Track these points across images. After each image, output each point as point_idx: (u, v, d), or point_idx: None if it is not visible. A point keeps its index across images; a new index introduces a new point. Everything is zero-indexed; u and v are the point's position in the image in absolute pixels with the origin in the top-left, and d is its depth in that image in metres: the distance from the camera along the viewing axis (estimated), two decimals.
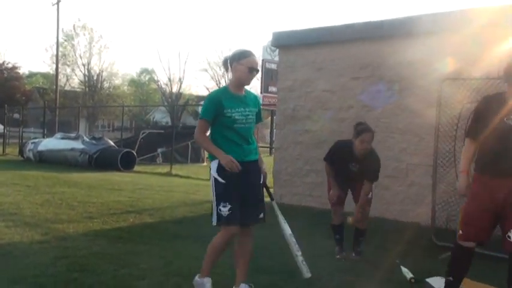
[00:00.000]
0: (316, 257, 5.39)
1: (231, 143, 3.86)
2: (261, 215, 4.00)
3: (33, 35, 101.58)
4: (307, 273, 4.03)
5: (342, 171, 5.38)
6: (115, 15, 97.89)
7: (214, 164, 3.87)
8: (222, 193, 3.84)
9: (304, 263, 4.03)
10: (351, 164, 5.29)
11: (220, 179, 3.83)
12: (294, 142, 9.36)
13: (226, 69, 4.06)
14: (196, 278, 4.01)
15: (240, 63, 3.85)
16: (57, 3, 34.99)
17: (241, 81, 3.92)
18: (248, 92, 4.05)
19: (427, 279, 4.67)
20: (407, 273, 4.74)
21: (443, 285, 4.23)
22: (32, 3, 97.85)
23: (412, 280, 4.63)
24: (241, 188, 3.85)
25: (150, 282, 4.30)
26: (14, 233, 5.91)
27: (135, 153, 17.12)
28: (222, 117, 3.83)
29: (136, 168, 16.41)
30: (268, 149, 24.46)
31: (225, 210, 3.80)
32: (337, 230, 5.61)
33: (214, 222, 3.87)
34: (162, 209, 8.27)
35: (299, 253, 4.04)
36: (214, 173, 3.86)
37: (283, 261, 5.14)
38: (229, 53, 4.15)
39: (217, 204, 3.83)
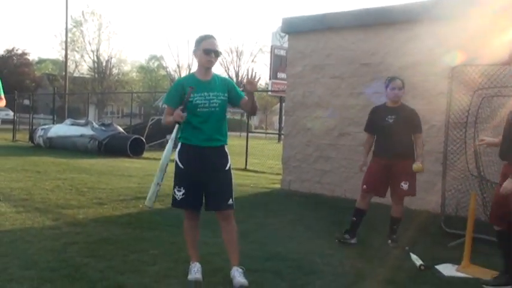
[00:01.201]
0: (325, 244, 5.42)
1: (193, 128, 3.94)
2: (230, 201, 3.99)
3: (42, 21, 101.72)
4: (148, 202, 4.05)
5: (381, 127, 5.43)
6: (124, 2, 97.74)
7: (177, 149, 4.03)
8: (178, 177, 4.00)
9: (157, 194, 4.02)
10: (387, 117, 5.36)
11: (180, 164, 3.99)
12: (303, 129, 9.34)
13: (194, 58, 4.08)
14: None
15: (198, 49, 3.94)
16: None
17: (201, 64, 3.97)
18: (216, 77, 4.06)
19: (437, 266, 4.67)
20: (417, 260, 4.74)
21: (453, 272, 4.23)
22: None
23: (422, 267, 4.62)
24: (202, 174, 3.92)
25: (160, 267, 4.33)
26: (25, 218, 5.97)
27: (144, 140, 17.15)
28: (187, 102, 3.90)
29: (145, 154, 16.46)
30: (277, 135, 24.41)
31: (179, 194, 3.99)
32: (357, 213, 5.59)
33: (171, 204, 4.08)
34: (171, 195, 8.28)
35: (159, 184, 3.99)
36: (176, 157, 4.01)
37: (291, 248, 5.17)
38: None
39: (173, 187, 4.03)
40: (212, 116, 3.93)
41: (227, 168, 4.03)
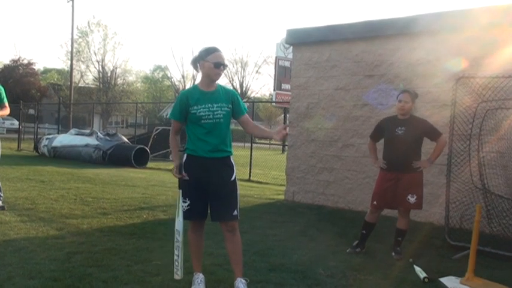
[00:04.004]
0: (329, 255, 5.41)
1: (197, 139, 3.95)
2: (234, 212, 3.98)
3: (48, 31, 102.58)
4: (176, 275, 4.04)
5: (390, 139, 5.46)
6: (129, 12, 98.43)
7: (182, 160, 4.04)
8: (183, 189, 4.01)
9: (179, 264, 4.00)
10: (397, 128, 5.38)
11: (184, 174, 3.99)
12: (307, 140, 9.35)
13: (196, 69, 4.09)
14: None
15: (206, 60, 3.92)
16: (72, 0, 35.20)
17: (210, 77, 3.97)
18: (220, 88, 4.06)
19: (441, 279, 4.65)
20: (421, 273, 4.72)
21: (457, 284, 4.21)
22: (47, 0, 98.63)
23: (426, 280, 4.60)
24: (207, 185, 3.93)
25: (163, 278, 4.33)
26: (29, 228, 5.98)
27: (148, 150, 17.19)
28: (189, 115, 3.93)
29: (149, 164, 16.49)
30: (281, 146, 24.41)
31: (184, 205, 3.99)
32: (366, 226, 5.64)
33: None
34: (175, 205, 8.28)
35: (178, 255, 3.99)
36: (181, 168, 4.02)
37: (294, 259, 5.16)
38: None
39: (178, 198, 4.04)
40: (216, 128, 3.93)
41: (232, 179, 4.02)
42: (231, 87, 53.03)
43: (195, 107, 3.90)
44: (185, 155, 4.02)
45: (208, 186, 3.94)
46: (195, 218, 4.04)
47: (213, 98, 3.95)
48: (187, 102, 3.93)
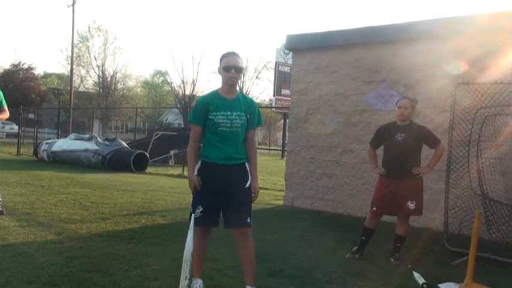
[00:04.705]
0: (327, 261, 5.40)
1: (212, 146, 3.92)
2: (248, 220, 3.94)
3: (48, 36, 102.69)
4: None
5: (389, 145, 5.47)
6: (129, 17, 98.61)
7: (197, 167, 3.99)
8: (196, 196, 3.97)
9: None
10: (396, 134, 5.39)
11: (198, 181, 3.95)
12: (307, 145, 9.35)
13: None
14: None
15: (220, 66, 3.94)
16: (73, 4, 35.28)
17: (224, 81, 3.96)
18: (241, 97, 4.02)
19: (439, 285, 4.65)
20: (420, 279, 4.71)
21: None
22: (48, 5, 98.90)
23: (425, 286, 4.60)
24: (221, 192, 3.89)
25: (162, 283, 4.32)
26: (28, 232, 5.97)
27: (147, 155, 17.19)
28: (208, 120, 3.90)
29: (148, 169, 16.47)
30: (281, 152, 24.42)
31: (197, 212, 3.93)
32: (366, 232, 5.64)
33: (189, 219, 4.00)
34: (174, 210, 8.29)
35: (187, 277, 3.84)
36: (195, 175, 3.97)
37: (293, 265, 5.15)
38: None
39: (192, 206, 3.99)
40: (232, 136, 3.90)
41: (247, 185, 3.96)
42: None
43: (214, 113, 3.87)
44: (200, 161, 3.98)
45: (222, 193, 3.89)
46: (206, 224, 3.98)
47: (233, 105, 3.90)
48: (208, 107, 3.89)
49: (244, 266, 4.02)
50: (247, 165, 4.01)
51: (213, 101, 3.91)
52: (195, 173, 3.94)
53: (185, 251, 3.84)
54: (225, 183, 3.89)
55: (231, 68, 3.88)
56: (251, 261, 4.00)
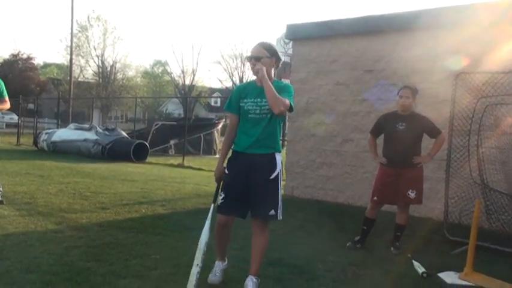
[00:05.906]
0: (327, 250, 5.41)
1: (242, 133, 3.96)
2: (271, 212, 3.89)
3: (48, 25, 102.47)
4: (190, 286, 3.80)
5: (391, 134, 5.47)
6: (129, 7, 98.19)
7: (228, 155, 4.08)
8: (224, 183, 4.00)
9: (198, 276, 3.79)
10: (397, 124, 5.39)
11: (226, 170, 4.00)
12: (307, 135, 9.34)
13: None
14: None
15: None
16: None
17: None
18: (275, 84, 3.89)
19: (439, 274, 4.65)
20: (419, 268, 4.72)
21: (456, 279, 4.20)
22: None
23: (424, 275, 4.61)
24: (247, 182, 3.88)
25: (161, 272, 4.32)
26: (28, 222, 5.97)
27: (147, 145, 17.19)
28: (240, 109, 3.96)
29: (148, 159, 16.48)
30: (281, 141, 24.42)
31: (219, 199, 3.98)
32: (367, 222, 5.65)
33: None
34: (174, 200, 8.30)
35: (199, 265, 3.82)
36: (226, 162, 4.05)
37: (293, 254, 5.16)
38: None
39: (214, 195, 4.06)
40: (261, 122, 3.87)
41: (273, 177, 3.89)
42: (231, 83, 53.07)
43: (245, 100, 3.92)
44: (232, 150, 4.04)
45: (247, 183, 3.87)
46: (226, 213, 3.96)
47: (263, 92, 3.80)
48: (240, 95, 3.96)
49: (253, 255, 4.00)
50: (277, 155, 3.95)
51: (245, 89, 3.99)
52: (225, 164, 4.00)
53: (200, 239, 3.88)
54: (249, 172, 3.87)
55: (251, 58, 3.91)
56: (261, 252, 3.98)
